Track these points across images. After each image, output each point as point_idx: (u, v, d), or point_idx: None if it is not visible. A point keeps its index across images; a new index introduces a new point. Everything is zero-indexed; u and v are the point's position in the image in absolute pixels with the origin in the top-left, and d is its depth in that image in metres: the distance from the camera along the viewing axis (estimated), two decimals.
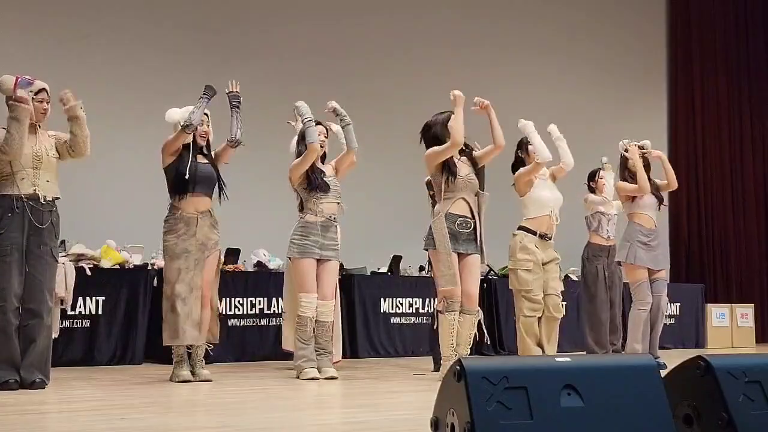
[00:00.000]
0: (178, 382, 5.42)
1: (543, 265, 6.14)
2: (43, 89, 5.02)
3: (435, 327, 5.79)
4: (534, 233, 6.16)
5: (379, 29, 10.11)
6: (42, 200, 4.95)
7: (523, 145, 6.33)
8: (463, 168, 5.69)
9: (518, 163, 6.35)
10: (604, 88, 11.68)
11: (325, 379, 5.69)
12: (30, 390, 4.77)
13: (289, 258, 6.00)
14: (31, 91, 4.94)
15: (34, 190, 4.94)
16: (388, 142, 9.47)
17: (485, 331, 5.92)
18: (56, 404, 4.45)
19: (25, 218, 4.89)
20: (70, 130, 5.11)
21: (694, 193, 12.11)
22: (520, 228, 6.24)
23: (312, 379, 5.64)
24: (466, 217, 5.63)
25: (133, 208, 7.87)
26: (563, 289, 6.29)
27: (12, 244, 4.86)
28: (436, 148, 5.58)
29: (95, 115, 8.14)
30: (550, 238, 6.22)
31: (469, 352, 5.70)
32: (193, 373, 5.51)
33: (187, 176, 5.48)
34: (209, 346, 5.73)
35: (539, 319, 6.10)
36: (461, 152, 5.72)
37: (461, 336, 5.62)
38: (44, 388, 4.86)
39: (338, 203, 5.96)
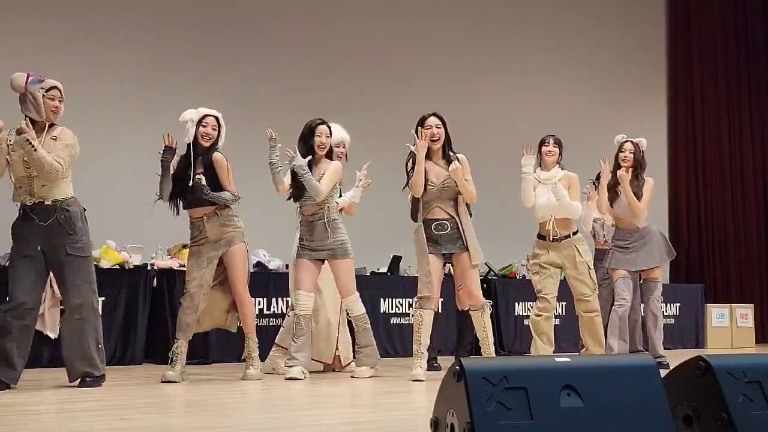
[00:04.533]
0: (163, 382, 5.39)
1: (558, 267, 6.33)
2: (55, 87, 4.99)
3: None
4: (543, 238, 6.40)
5: (379, 30, 10.11)
6: (41, 205, 4.95)
7: (540, 143, 6.44)
8: (441, 174, 5.75)
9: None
10: (604, 88, 11.66)
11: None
12: (78, 388, 4.91)
13: None
14: (42, 89, 4.93)
15: (30, 197, 4.95)
16: (388, 142, 9.43)
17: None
18: (56, 404, 4.45)
19: (33, 222, 4.94)
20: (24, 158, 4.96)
21: (693, 193, 12.11)
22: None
23: (291, 378, 5.64)
24: (441, 220, 5.74)
25: (133, 208, 7.82)
26: (595, 287, 6.35)
27: (23, 247, 4.95)
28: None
29: (95, 115, 8.21)
30: (561, 239, 6.31)
31: (493, 349, 5.92)
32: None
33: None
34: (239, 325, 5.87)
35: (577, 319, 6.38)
36: (445, 157, 5.80)
37: (480, 334, 5.88)
38: (101, 385, 5.01)
39: (321, 208, 5.88)
